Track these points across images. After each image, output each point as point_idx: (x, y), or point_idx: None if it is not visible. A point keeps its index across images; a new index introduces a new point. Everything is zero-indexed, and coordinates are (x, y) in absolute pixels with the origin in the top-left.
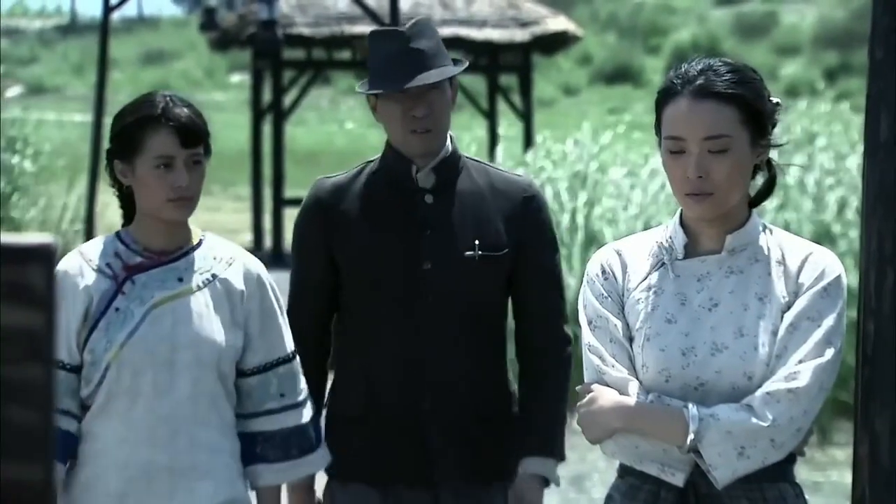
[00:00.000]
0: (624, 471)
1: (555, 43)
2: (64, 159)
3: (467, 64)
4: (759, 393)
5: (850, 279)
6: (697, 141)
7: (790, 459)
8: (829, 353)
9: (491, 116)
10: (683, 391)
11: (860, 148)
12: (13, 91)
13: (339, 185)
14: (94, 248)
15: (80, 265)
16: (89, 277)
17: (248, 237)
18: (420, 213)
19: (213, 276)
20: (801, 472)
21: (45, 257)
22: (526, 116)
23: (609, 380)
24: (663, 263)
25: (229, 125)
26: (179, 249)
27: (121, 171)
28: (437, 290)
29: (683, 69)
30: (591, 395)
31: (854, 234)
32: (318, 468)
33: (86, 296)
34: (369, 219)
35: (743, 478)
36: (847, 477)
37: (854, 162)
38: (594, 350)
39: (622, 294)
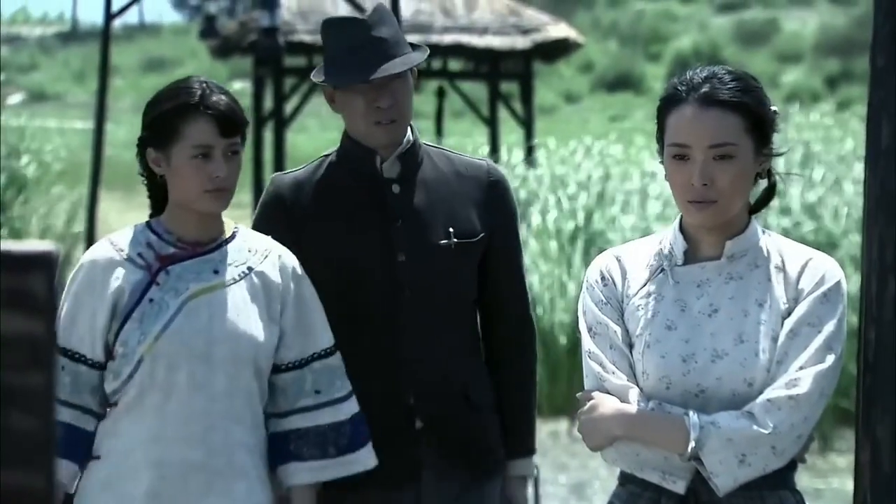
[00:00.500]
0: (625, 478)
1: (556, 50)
2: (65, 166)
3: (428, 52)
4: (759, 400)
5: (851, 286)
6: (703, 148)
7: (791, 466)
8: (830, 359)
9: (492, 124)
10: (684, 398)
11: (861, 155)
12: (14, 98)
13: (298, 179)
14: (124, 238)
15: (110, 255)
16: (120, 268)
17: None
18: (388, 203)
19: (250, 268)
20: (803, 479)
21: (47, 265)
22: (527, 124)
23: (609, 387)
24: (663, 269)
25: None
26: (213, 241)
27: (154, 160)
28: (414, 282)
29: (688, 76)
30: (591, 402)
31: (854, 241)
32: (360, 469)
33: (116, 287)
34: (336, 213)
35: (744, 485)
36: (848, 484)
37: (856, 169)
38: (594, 357)
39: (622, 300)
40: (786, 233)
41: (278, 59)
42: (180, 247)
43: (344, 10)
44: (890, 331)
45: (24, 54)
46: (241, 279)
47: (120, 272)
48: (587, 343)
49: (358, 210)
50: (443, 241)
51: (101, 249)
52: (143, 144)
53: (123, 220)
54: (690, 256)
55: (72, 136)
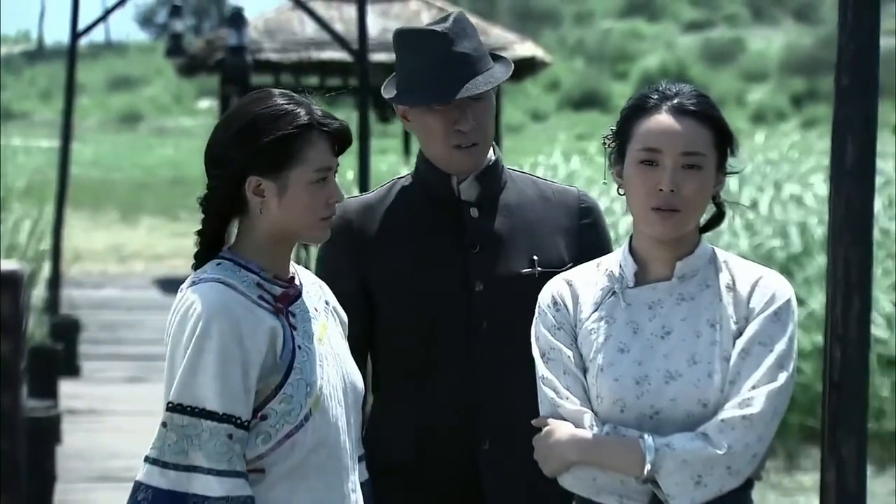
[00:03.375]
0: (582, 503)
1: (523, 69)
2: (31, 185)
3: (513, 66)
4: (714, 421)
5: (815, 305)
6: (674, 155)
7: (748, 485)
8: (782, 377)
9: None
10: (639, 420)
11: (823, 174)
12: None
13: (367, 203)
14: (231, 279)
15: (240, 299)
16: (259, 313)
17: None
18: (466, 228)
19: (327, 302)
20: (769, 498)
21: (13, 284)
22: (494, 142)
23: (564, 412)
24: (614, 292)
25: (197, 151)
26: (293, 277)
27: (257, 189)
28: (491, 314)
29: (659, 88)
30: (547, 428)
31: (818, 260)
32: None
33: (267, 335)
34: (407, 238)
35: None
36: (815, 502)
37: (819, 188)
38: (548, 382)
39: (574, 325)
40: (752, 251)
41: (245, 78)
42: (281, 285)
43: (311, 30)
44: (855, 350)
45: None
46: (328, 316)
47: (261, 318)
48: (541, 369)
49: (432, 235)
50: (525, 270)
51: (227, 294)
52: (239, 173)
53: (89, 238)
54: (641, 278)
55: (37, 155)
